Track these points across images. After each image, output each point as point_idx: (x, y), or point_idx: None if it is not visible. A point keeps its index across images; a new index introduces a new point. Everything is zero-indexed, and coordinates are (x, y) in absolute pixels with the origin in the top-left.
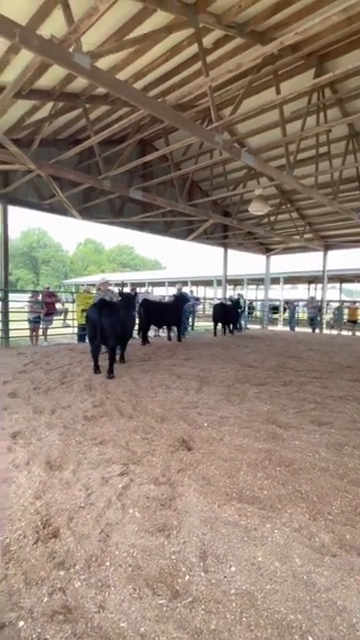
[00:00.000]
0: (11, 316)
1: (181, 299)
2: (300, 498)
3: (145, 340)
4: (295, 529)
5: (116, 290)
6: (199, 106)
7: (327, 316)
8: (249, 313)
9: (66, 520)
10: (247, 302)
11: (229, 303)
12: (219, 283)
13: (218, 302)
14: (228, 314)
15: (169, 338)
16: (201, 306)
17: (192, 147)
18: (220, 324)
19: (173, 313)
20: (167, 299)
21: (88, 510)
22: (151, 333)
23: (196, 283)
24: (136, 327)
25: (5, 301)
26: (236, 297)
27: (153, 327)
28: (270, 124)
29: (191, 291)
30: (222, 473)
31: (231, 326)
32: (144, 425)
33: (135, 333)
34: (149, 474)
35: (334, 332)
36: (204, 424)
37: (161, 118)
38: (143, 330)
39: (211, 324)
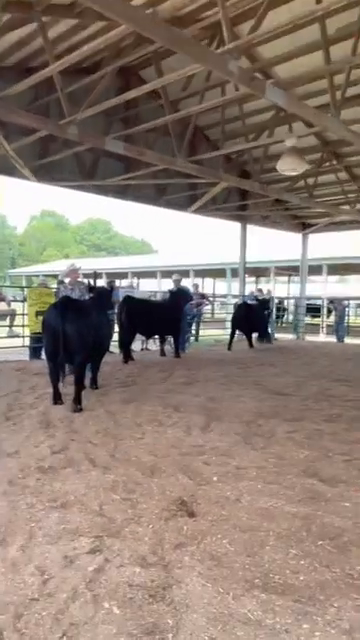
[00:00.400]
0: None
1: (180, 297)
2: (352, 586)
3: (128, 355)
4: (345, 631)
5: (86, 283)
6: (205, 20)
7: None
8: (277, 317)
9: (12, 619)
10: (276, 301)
11: (254, 302)
12: (234, 274)
13: (241, 301)
14: (254, 318)
15: (162, 353)
16: (209, 306)
17: (195, 79)
18: (240, 332)
19: (169, 317)
20: (160, 297)
21: (44, 604)
22: (136, 345)
23: (202, 273)
24: (115, 336)
25: None
26: (264, 295)
27: (139, 336)
28: (307, 46)
29: (195, 285)
30: (239, 550)
31: (256, 335)
32: (126, 480)
33: (114, 345)
34: (133, 551)
35: None
36: (213, 478)
37: (150, 37)
38: (125, 341)
39: (223, 332)
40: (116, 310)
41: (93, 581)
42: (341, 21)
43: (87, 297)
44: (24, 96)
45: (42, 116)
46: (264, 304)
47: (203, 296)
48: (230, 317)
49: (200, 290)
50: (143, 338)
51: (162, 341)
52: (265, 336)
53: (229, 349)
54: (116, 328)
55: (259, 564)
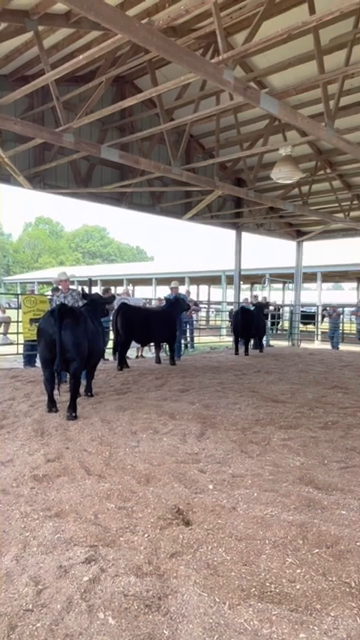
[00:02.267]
0: None
1: (177, 304)
2: (349, 594)
3: (123, 363)
4: None
5: (80, 290)
6: (200, 30)
7: None
8: (272, 323)
9: (6, 629)
10: (273, 307)
11: (252, 308)
12: (230, 281)
13: (239, 307)
14: (253, 323)
15: (158, 360)
16: (203, 313)
17: (190, 88)
18: (241, 338)
19: (165, 324)
20: (155, 304)
21: (38, 615)
22: (131, 352)
23: (197, 280)
24: (110, 344)
25: None
26: (260, 300)
27: (135, 344)
28: (301, 56)
29: (188, 292)
30: (235, 558)
31: (254, 341)
32: (121, 488)
33: (108, 353)
34: (128, 561)
35: None
36: (209, 486)
37: (145, 47)
38: (120, 349)
39: (217, 339)
40: (111, 318)
41: (88, 591)
42: (334, 31)
43: (80, 304)
44: (20, 104)
45: (37, 124)
46: (260, 309)
47: (195, 303)
48: (225, 324)
49: (192, 297)
50: (138, 345)
51: (157, 349)
52: (262, 341)
53: (236, 353)
54: (111, 335)
55: (255, 573)
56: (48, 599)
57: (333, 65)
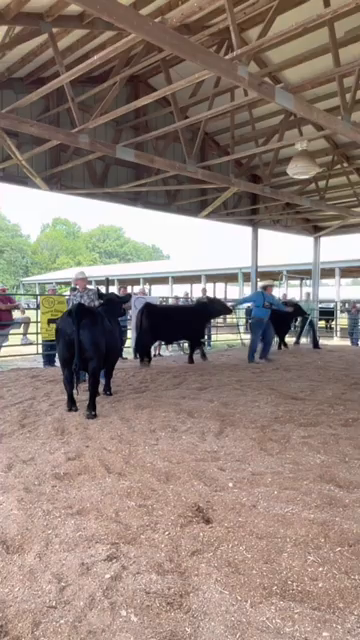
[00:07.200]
0: None
1: (206, 306)
2: None
3: (146, 356)
4: None
5: (96, 290)
6: (214, 27)
7: None
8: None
9: (30, 626)
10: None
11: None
12: (247, 278)
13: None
14: (277, 321)
15: (190, 360)
16: None
17: (204, 85)
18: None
19: (191, 323)
20: (172, 302)
21: (62, 612)
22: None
23: (213, 278)
24: (127, 343)
25: None
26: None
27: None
28: (316, 49)
29: (204, 290)
30: (256, 556)
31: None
32: (141, 486)
33: (127, 352)
34: (149, 558)
35: None
36: (229, 484)
37: (159, 45)
38: (142, 347)
39: (236, 337)
40: (129, 317)
41: (110, 589)
42: (350, 24)
43: (96, 303)
44: (36, 106)
45: (53, 126)
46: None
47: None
48: (242, 322)
49: (209, 294)
50: (156, 344)
51: (192, 348)
52: (284, 340)
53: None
54: (129, 335)
55: (277, 571)
56: (71, 596)
57: (349, 58)
